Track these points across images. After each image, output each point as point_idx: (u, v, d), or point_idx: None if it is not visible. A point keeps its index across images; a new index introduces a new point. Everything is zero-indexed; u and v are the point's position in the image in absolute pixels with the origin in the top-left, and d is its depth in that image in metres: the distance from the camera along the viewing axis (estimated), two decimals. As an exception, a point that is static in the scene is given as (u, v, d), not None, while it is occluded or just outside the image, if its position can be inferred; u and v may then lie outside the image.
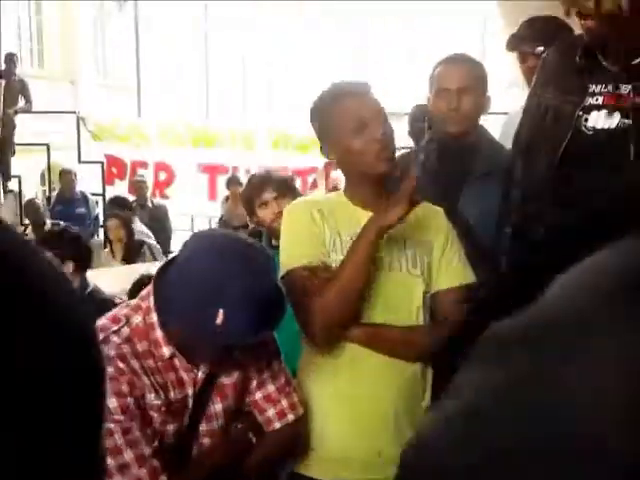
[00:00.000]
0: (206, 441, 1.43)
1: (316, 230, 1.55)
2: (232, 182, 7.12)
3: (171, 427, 1.37)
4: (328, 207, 1.60)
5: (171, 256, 1.43)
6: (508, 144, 2.04)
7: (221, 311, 1.21)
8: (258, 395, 1.48)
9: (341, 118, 1.53)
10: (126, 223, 4.93)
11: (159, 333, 1.32)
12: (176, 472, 1.35)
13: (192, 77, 18.08)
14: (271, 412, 1.48)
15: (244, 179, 7.70)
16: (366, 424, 1.53)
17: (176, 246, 8.46)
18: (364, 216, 1.54)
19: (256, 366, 1.47)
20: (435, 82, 2.01)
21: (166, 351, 1.34)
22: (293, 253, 1.55)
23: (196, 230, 9.98)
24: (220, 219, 7.27)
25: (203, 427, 1.42)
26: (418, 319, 1.57)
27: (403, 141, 4.12)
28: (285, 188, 2.45)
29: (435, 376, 1.62)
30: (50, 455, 0.32)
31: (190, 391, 1.38)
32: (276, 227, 2.30)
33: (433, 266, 1.60)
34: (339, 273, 1.48)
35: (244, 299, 1.23)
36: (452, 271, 1.62)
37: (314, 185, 7.57)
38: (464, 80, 1.94)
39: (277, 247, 2.26)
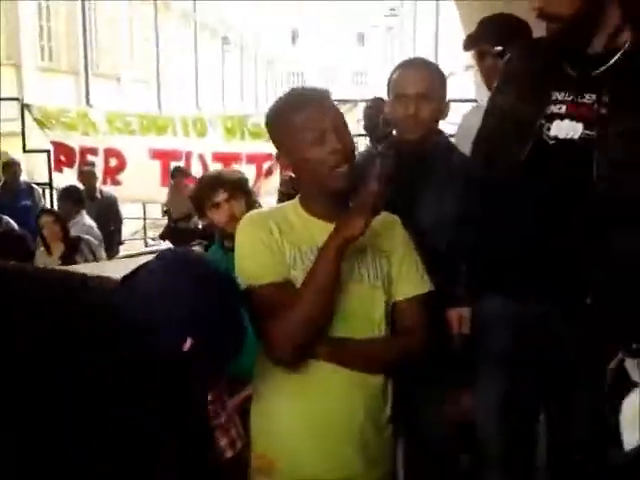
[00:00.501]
0: None
1: (275, 246, 1.49)
2: (177, 172, 6.98)
3: None
4: (285, 220, 1.54)
5: None
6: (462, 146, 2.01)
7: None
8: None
9: (299, 127, 1.47)
10: (60, 218, 4.66)
11: None
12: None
13: (144, 64, 17.78)
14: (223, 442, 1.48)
15: (197, 166, 7.68)
16: (333, 439, 1.50)
17: (126, 235, 8.42)
18: (323, 229, 1.49)
19: None
20: (393, 87, 1.96)
21: None
22: (255, 270, 1.49)
23: (148, 217, 9.93)
24: (164, 210, 7.15)
25: None
26: (380, 330, 1.54)
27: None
28: (237, 189, 2.38)
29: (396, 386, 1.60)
30: None
31: None
32: (229, 230, 2.25)
33: (393, 276, 1.57)
34: (305, 293, 1.43)
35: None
36: (411, 280, 1.59)
37: (269, 172, 7.51)
38: (422, 86, 1.89)
39: (230, 249, 2.21)
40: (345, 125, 1.51)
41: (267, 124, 1.57)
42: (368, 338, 1.52)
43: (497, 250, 1.68)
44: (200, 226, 5.59)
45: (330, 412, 1.49)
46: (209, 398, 1.42)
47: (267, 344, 1.47)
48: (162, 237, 7.22)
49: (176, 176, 6.91)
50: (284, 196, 5.26)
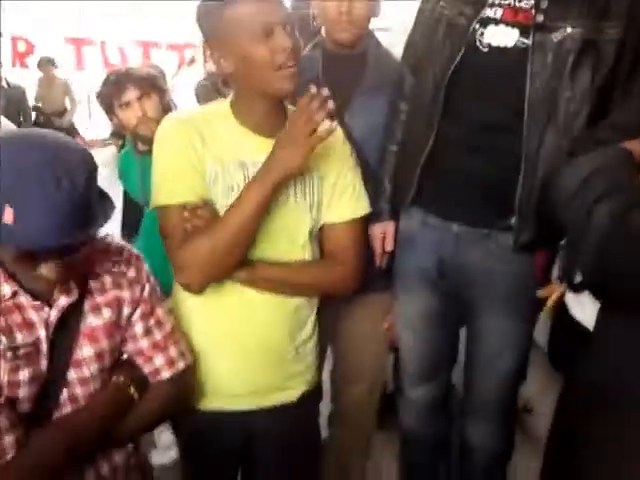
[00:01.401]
0: (78, 391, 1.29)
1: (195, 160, 1.35)
2: (42, 63, 6.50)
3: (24, 375, 1.22)
4: (210, 129, 1.39)
5: None
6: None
7: (9, 209, 1.06)
8: (144, 342, 1.35)
9: (241, 21, 1.30)
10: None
11: None
12: (38, 426, 1.23)
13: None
14: (159, 360, 1.36)
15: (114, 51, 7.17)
16: (251, 360, 1.47)
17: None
18: (253, 143, 1.38)
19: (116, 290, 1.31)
20: None
21: (6, 289, 1.18)
22: (168, 187, 1.36)
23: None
24: (34, 106, 6.72)
25: (72, 375, 1.27)
26: (305, 253, 1.46)
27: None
28: (149, 86, 2.17)
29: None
30: None
31: (42, 333, 1.23)
32: (141, 131, 2.09)
33: (324, 198, 1.46)
34: (227, 222, 1.31)
35: (39, 198, 1.07)
36: (343, 203, 1.49)
37: (192, 61, 7.10)
38: None
39: (145, 152, 2.06)
40: (293, 25, 1.35)
41: (199, 18, 1.37)
42: (289, 263, 1.44)
43: (421, 164, 1.60)
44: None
45: (248, 334, 1.45)
46: (139, 312, 1.32)
47: (175, 268, 1.37)
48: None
49: (42, 67, 6.40)
50: (206, 90, 4.95)
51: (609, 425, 1.10)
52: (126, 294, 1.32)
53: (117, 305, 1.31)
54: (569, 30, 1.37)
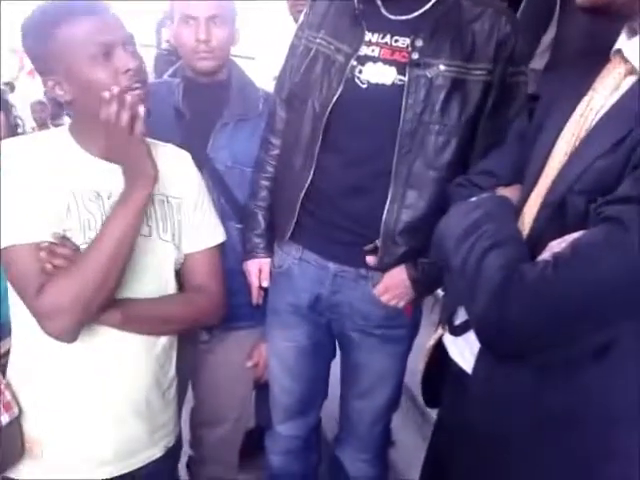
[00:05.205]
0: None
1: (43, 192, 1.20)
2: None
3: None
4: (55, 156, 1.25)
5: None
6: None
7: None
8: None
9: (76, 42, 1.17)
10: None
11: None
12: None
13: None
14: None
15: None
16: (116, 415, 1.32)
17: None
18: (106, 170, 1.26)
19: None
20: (179, 8, 1.69)
21: None
22: (17, 225, 1.18)
23: None
24: None
25: None
26: (168, 288, 1.37)
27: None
28: None
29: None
30: None
31: None
32: None
33: (183, 226, 1.38)
34: (95, 255, 1.18)
35: None
36: (203, 231, 1.42)
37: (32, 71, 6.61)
38: (213, 7, 1.66)
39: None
40: (134, 43, 1.25)
41: (26, 34, 1.21)
42: (158, 299, 1.33)
43: (300, 199, 1.57)
44: None
45: (113, 385, 1.31)
46: None
47: (39, 317, 1.19)
48: None
49: None
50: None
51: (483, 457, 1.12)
52: None
53: None
54: (442, 68, 1.42)
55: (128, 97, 1.16)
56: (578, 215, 0.96)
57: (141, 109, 1.19)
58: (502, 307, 0.92)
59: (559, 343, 0.96)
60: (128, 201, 1.20)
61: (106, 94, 1.15)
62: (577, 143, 1.02)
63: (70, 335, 1.21)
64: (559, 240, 0.95)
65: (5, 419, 1.23)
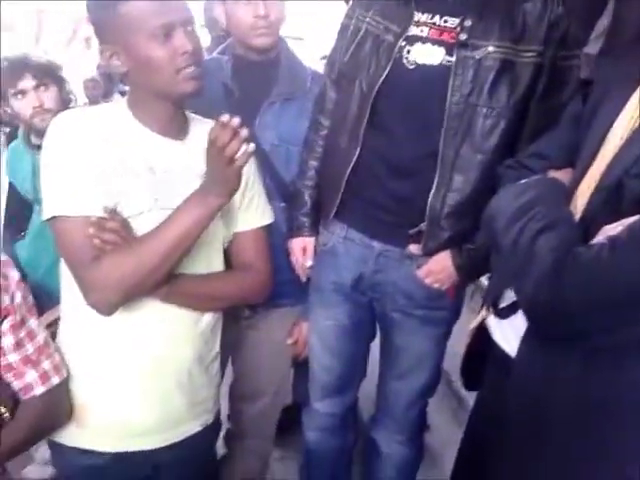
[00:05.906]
0: None
1: (100, 166, 1.21)
2: None
3: None
4: (112, 130, 1.26)
5: None
6: None
7: None
8: (14, 357, 1.20)
9: (138, 19, 1.18)
10: None
11: None
12: None
13: None
14: (32, 376, 1.23)
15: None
16: (160, 387, 1.35)
17: None
18: (162, 145, 1.28)
19: None
20: None
21: None
22: (68, 197, 1.20)
23: None
24: None
25: None
26: (219, 265, 1.40)
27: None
28: (47, 75, 2.02)
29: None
30: None
31: None
32: (36, 123, 1.96)
33: (233, 206, 1.39)
34: (160, 236, 1.19)
35: None
36: (252, 212, 1.44)
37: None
38: None
39: (38, 146, 1.91)
40: (193, 25, 1.25)
41: (91, 11, 1.24)
42: (206, 275, 1.36)
43: (345, 178, 1.58)
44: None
45: (157, 357, 1.33)
46: (7, 323, 1.17)
47: (85, 288, 1.22)
48: None
49: None
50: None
51: (525, 443, 1.12)
52: None
53: None
54: (490, 49, 1.40)
55: (245, 132, 1.13)
56: (634, 199, 0.95)
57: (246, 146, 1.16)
58: (554, 287, 0.92)
59: (608, 327, 0.95)
60: (204, 202, 1.20)
61: (224, 118, 1.13)
62: (636, 126, 1.01)
63: (111, 309, 1.23)
64: (615, 224, 0.94)
65: (55, 380, 1.26)
